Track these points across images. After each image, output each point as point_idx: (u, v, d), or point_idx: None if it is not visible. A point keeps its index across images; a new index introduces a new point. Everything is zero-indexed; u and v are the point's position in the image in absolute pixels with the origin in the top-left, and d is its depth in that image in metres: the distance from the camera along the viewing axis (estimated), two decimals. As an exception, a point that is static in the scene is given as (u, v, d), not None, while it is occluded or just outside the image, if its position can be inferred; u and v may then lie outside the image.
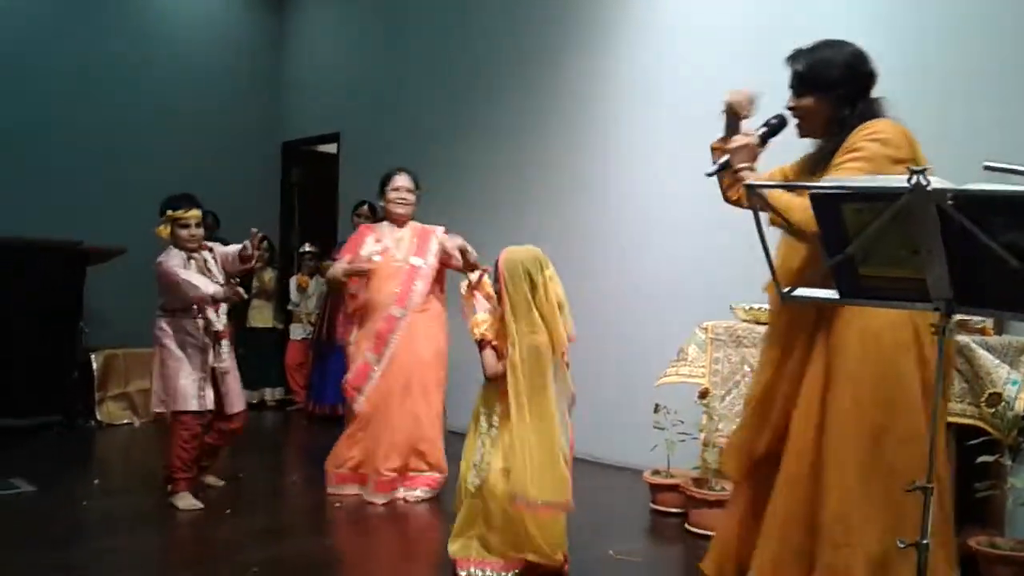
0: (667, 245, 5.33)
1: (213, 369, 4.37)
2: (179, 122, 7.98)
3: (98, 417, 6.51)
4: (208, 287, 4.24)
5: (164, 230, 4.37)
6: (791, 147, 2.67)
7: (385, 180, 4.80)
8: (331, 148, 8.42)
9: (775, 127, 2.52)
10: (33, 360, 6.19)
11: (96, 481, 4.95)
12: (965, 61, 4.08)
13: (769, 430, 2.54)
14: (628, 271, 5.56)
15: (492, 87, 6.53)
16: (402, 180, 4.77)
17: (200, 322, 4.33)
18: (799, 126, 2.48)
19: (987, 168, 1.59)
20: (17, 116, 7.09)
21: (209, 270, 4.42)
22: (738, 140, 2.43)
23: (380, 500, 4.48)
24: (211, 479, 4.71)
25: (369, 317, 4.64)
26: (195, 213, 4.39)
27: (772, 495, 2.49)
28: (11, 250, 6.14)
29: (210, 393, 4.33)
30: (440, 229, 4.82)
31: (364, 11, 8.00)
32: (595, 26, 5.84)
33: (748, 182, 1.75)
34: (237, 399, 4.51)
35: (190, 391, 4.26)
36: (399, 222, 4.79)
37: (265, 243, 7.45)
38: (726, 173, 2.55)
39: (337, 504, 4.47)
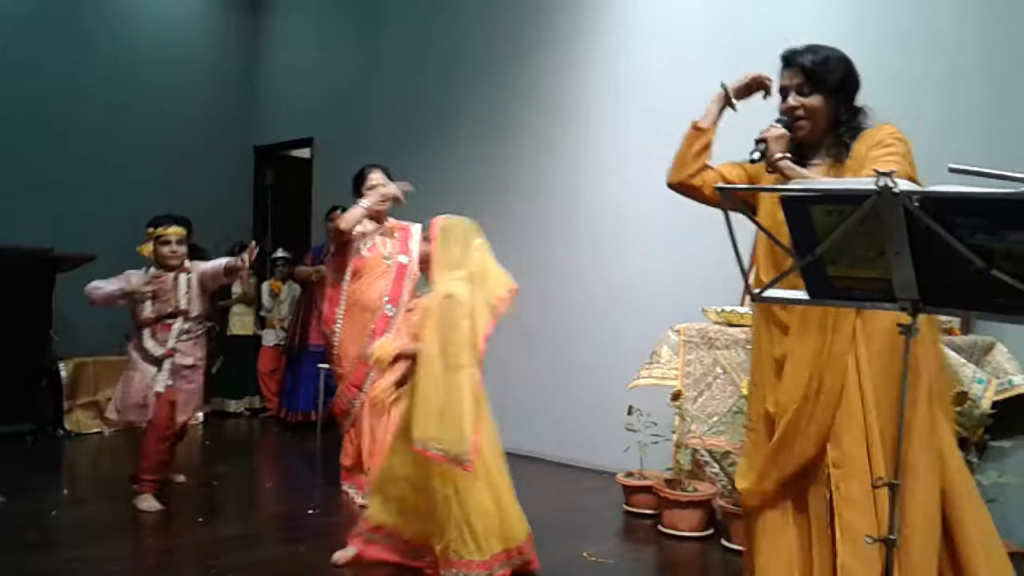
0: (640, 247, 5.37)
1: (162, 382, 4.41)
2: (151, 126, 7.92)
3: (67, 426, 6.42)
4: (106, 283, 4.36)
5: (146, 248, 4.43)
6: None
7: (360, 178, 4.68)
8: (304, 153, 8.39)
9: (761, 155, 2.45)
10: (1, 368, 6.09)
11: (65, 490, 4.90)
12: (933, 66, 4.14)
13: (805, 441, 2.35)
14: (601, 273, 5.59)
15: (466, 93, 6.54)
16: (377, 176, 4.65)
17: (148, 338, 4.40)
18: (799, 127, 2.43)
19: (952, 171, 1.62)
20: (-17, 122, 7.01)
21: (175, 294, 4.42)
22: (774, 130, 2.39)
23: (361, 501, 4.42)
24: (174, 477, 4.77)
25: (359, 316, 4.53)
26: (176, 230, 4.44)
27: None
28: (-22, 257, 6.05)
29: (151, 407, 4.36)
30: (417, 227, 4.68)
31: (338, 17, 7.99)
32: (568, 29, 5.87)
33: (720, 185, 1.76)
34: (183, 411, 4.49)
35: (137, 403, 4.36)
36: (378, 219, 4.67)
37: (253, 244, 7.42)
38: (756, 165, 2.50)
39: (310, 511, 4.44)
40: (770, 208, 2.35)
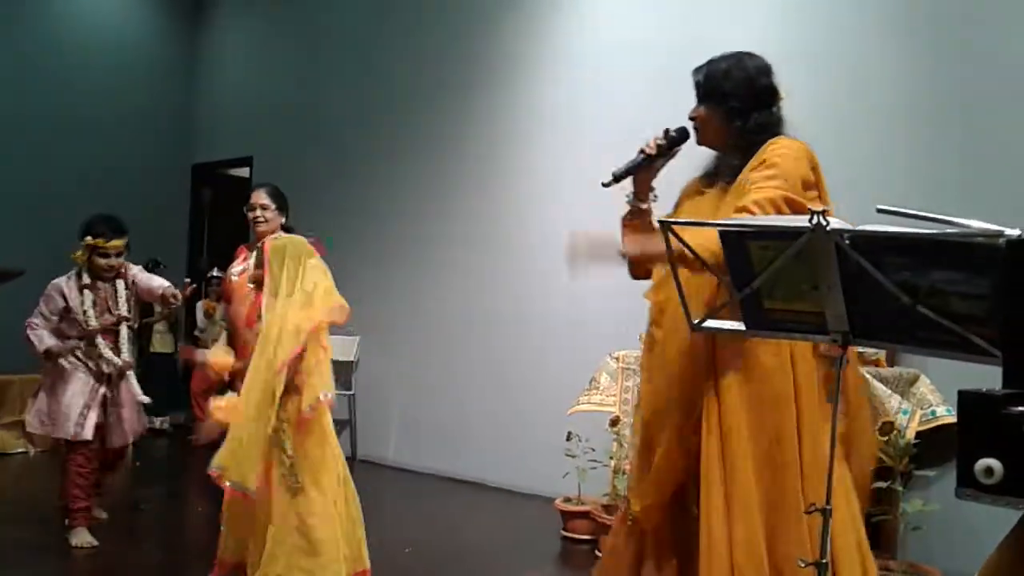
0: (580, 274, 5.42)
1: (105, 399, 4.19)
2: (86, 141, 7.77)
3: (-14, 446, 6.23)
4: (42, 343, 4.13)
5: (80, 256, 4.18)
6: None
7: (247, 198, 4.32)
8: (243, 172, 8.31)
9: (675, 139, 2.45)
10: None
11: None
12: (866, 102, 4.30)
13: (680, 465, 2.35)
14: (540, 300, 5.63)
15: (406, 115, 6.57)
16: (255, 197, 4.25)
17: (95, 354, 4.18)
18: (697, 134, 2.45)
19: (880, 211, 1.70)
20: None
21: (115, 301, 4.24)
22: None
23: None
24: (96, 511, 4.41)
25: (234, 341, 4.12)
26: (116, 244, 4.20)
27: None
28: (-100, 270, 5.84)
29: (92, 422, 4.11)
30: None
31: (279, 36, 7.96)
32: (509, 55, 5.95)
33: (660, 219, 1.82)
34: (121, 435, 4.27)
35: (71, 419, 4.08)
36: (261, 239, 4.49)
37: (162, 266, 7.30)
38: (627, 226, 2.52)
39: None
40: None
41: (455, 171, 6.21)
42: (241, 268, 4.37)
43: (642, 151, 2.43)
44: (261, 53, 8.20)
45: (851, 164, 4.22)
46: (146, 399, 4.33)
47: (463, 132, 6.17)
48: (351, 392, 6.63)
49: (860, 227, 1.65)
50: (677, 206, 2.58)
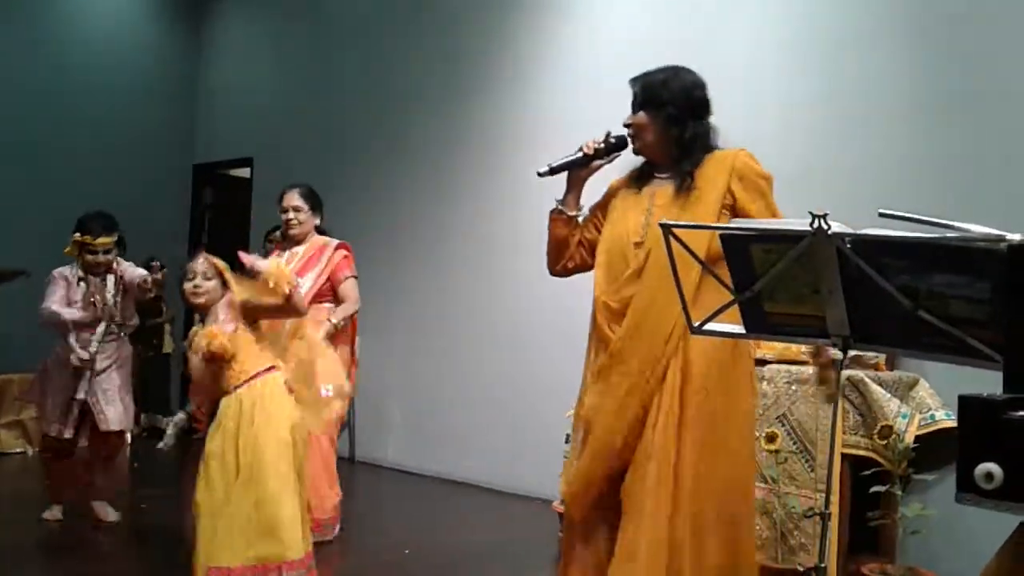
0: (579, 277, 5.41)
1: (86, 391, 4.30)
2: (88, 142, 7.77)
3: (-11, 444, 6.24)
4: (69, 315, 4.24)
5: (71, 251, 4.30)
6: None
7: (279, 198, 4.43)
8: (244, 172, 8.32)
9: (614, 145, 2.56)
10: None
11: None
12: (865, 106, 4.30)
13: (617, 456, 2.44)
14: (537, 300, 5.63)
15: (407, 119, 6.57)
16: (288, 199, 4.38)
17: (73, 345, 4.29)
18: (633, 142, 2.56)
19: (882, 215, 1.71)
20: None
21: (104, 297, 4.32)
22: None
23: None
24: (100, 511, 4.46)
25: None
26: (104, 241, 4.29)
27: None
28: (-98, 269, 5.84)
29: (72, 421, 4.28)
30: (334, 244, 4.42)
31: (280, 38, 7.97)
32: (522, 56, 5.96)
33: (661, 222, 1.82)
34: (107, 421, 4.32)
35: (53, 415, 4.31)
36: (295, 241, 4.42)
37: (165, 270, 7.30)
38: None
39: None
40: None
41: (457, 173, 6.21)
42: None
43: (581, 149, 2.59)
44: (262, 54, 8.21)
45: (852, 167, 4.23)
46: (112, 387, 4.36)
47: (465, 135, 6.18)
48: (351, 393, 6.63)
49: (861, 231, 1.66)
50: (605, 204, 2.69)
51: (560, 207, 2.68)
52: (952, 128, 4.01)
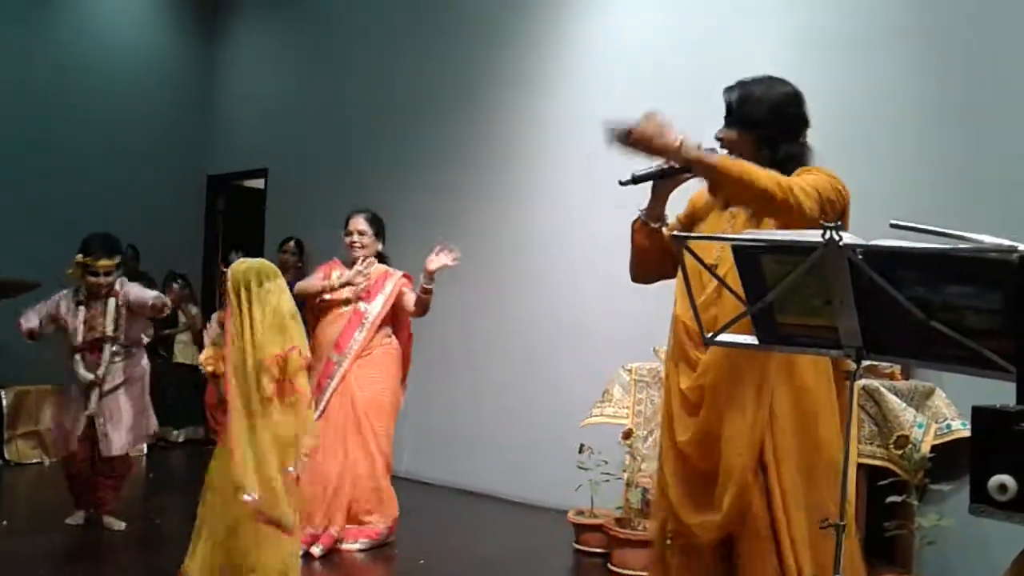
0: (593, 287, 5.43)
1: (90, 413, 4.37)
2: (102, 152, 7.82)
3: (6, 456, 6.26)
4: (28, 322, 4.42)
5: (75, 272, 4.35)
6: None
7: (344, 222, 4.66)
8: (258, 183, 8.36)
9: (658, 173, 2.43)
10: (-62, 396, 5.95)
11: (4, 521, 4.76)
12: (878, 115, 4.29)
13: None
14: (553, 312, 5.64)
15: (421, 128, 6.59)
16: (354, 223, 4.60)
17: (79, 363, 4.39)
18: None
19: (893, 226, 1.70)
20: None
21: (104, 320, 4.38)
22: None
23: (315, 551, 4.22)
24: (109, 524, 4.53)
25: (315, 359, 4.28)
26: (104, 263, 4.33)
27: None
28: (-82, 282, 5.90)
29: (73, 437, 4.36)
30: (399, 273, 4.64)
31: (294, 48, 8.01)
32: (526, 67, 5.96)
33: (675, 233, 1.82)
34: (109, 446, 4.38)
35: (61, 432, 4.45)
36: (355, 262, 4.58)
37: (181, 281, 7.35)
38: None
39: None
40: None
41: (470, 183, 6.22)
42: (319, 284, 4.46)
43: (668, 160, 2.36)
44: (276, 66, 8.26)
45: (862, 178, 4.21)
46: (119, 408, 4.45)
47: (479, 143, 6.19)
48: (364, 403, 6.63)
49: (873, 242, 1.66)
50: (691, 215, 2.57)
51: (643, 218, 2.51)
52: (963, 137, 3.99)
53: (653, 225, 2.50)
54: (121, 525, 4.53)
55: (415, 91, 6.69)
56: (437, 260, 4.46)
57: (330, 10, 7.58)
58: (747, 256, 1.76)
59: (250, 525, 3.04)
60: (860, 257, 1.64)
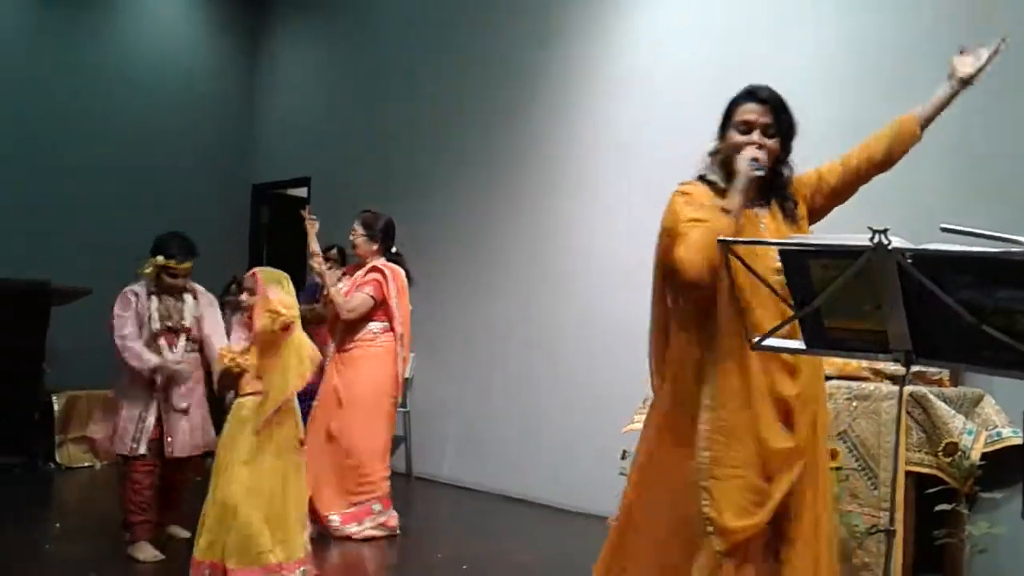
0: (637, 291, 5.40)
1: (159, 410, 4.18)
2: (148, 162, 7.98)
3: (58, 459, 6.40)
4: (150, 360, 4.11)
5: (150, 272, 4.21)
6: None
7: (391, 228, 5.06)
8: (301, 192, 8.47)
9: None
10: (-7, 401, 6.08)
11: (57, 524, 4.87)
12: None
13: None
14: (596, 317, 5.63)
15: (463, 137, 6.64)
16: (355, 223, 5.01)
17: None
18: (758, 163, 2.37)
19: (944, 230, 1.69)
20: (-15, 154, 7.07)
21: (180, 311, 4.27)
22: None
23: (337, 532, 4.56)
24: (174, 529, 4.45)
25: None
26: (187, 266, 4.26)
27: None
28: (-26, 289, 6.07)
29: (146, 436, 4.12)
30: (381, 260, 4.91)
31: (337, 57, 8.11)
32: (565, 78, 5.98)
33: (721, 239, 1.82)
34: (182, 445, 4.23)
35: (129, 433, 4.12)
36: (358, 264, 5.01)
37: (234, 286, 7.45)
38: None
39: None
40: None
41: (514, 189, 6.25)
42: (342, 285, 4.72)
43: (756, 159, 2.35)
44: (319, 76, 8.36)
45: (906, 183, 4.16)
46: (188, 407, 4.28)
47: (521, 151, 6.22)
48: (406, 409, 6.68)
49: (922, 246, 1.65)
50: (698, 210, 2.48)
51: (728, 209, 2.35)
52: (1010, 141, 3.93)
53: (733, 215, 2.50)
54: (187, 533, 4.30)
55: (457, 98, 6.73)
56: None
57: (372, 21, 7.66)
58: (795, 260, 1.76)
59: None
60: (909, 261, 1.63)
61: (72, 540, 4.52)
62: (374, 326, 4.81)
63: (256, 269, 3.67)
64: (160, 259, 4.19)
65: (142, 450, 4.12)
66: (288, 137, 8.59)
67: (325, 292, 4.78)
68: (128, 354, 4.10)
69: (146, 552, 4.11)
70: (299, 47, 8.66)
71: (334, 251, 7.07)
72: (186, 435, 4.24)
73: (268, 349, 3.51)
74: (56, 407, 6.49)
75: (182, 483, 4.44)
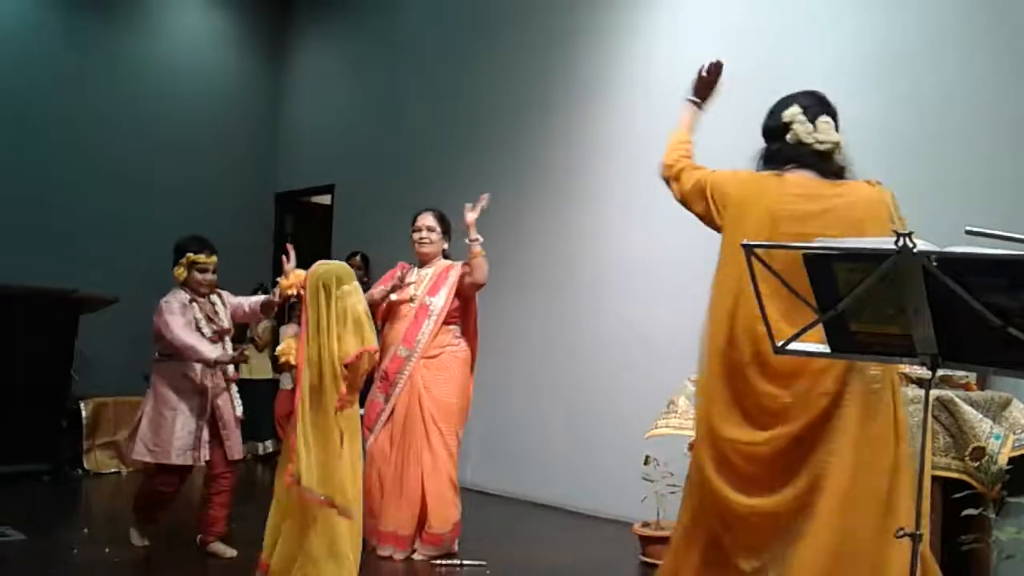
0: (655, 297, 5.42)
1: (214, 416, 4.23)
2: (174, 171, 8.07)
3: (85, 465, 6.47)
4: (210, 352, 4.11)
5: (182, 273, 4.28)
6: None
7: (412, 220, 4.79)
8: (325, 199, 8.53)
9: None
10: (22, 407, 6.15)
11: (85, 529, 4.93)
12: (948, 122, 4.22)
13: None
14: (616, 323, 5.64)
15: (487, 141, 6.66)
16: (423, 219, 4.73)
17: (198, 368, 4.19)
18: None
19: (969, 233, 1.69)
20: (14, 165, 7.16)
21: (216, 314, 4.33)
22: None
23: (392, 553, 4.35)
24: (219, 547, 4.32)
25: (383, 356, 4.47)
26: (214, 259, 4.35)
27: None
28: (4, 297, 6.13)
29: (206, 446, 4.18)
30: (457, 266, 4.67)
31: (360, 65, 8.17)
32: (587, 83, 6.00)
33: (745, 243, 1.82)
34: (237, 448, 4.32)
35: (185, 443, 4.12)
36: (423, 261, 4.73)
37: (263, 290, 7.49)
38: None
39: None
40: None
41: (533, 196, 6.27)
42: (385, 288, 4.59)
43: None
44: (342, 83, 8.43)
45: (935, 184, 4.15)
46: (240, 412, 4.38)
47: (542, 157, 6.24)
48: (429, 415, 6.69)
49: (947, 249, 1.65)
50: (722, 190, 2.72)
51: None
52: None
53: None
54: (233, 552, 4.28)
55: (478, 106, 6.77)
56: (473, 212, 4.61)
57: (394, 29, 7.71)
58: (820, 264, 1.76)
59: (304, 515, 3.31)
60: (935, 264, 1.63)
61: (100, 545, 4.55)
62: (455, 329, 4.62)
63: (317, 264, 3.52)
64: (189, 256, 4.27)
65: (189, 461, 4.17)
66: (311, 145, 8.65)
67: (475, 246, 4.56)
68: (188, 350, 4.10)
69: (137, 537, 4.38)
70: (322, 55, 8.73)
71: (358, 258, 7.11)
72: (230, 443, 4.30)
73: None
74: (84, 414, 6.56)
75: (229, 492, 4.39)
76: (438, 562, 4.33)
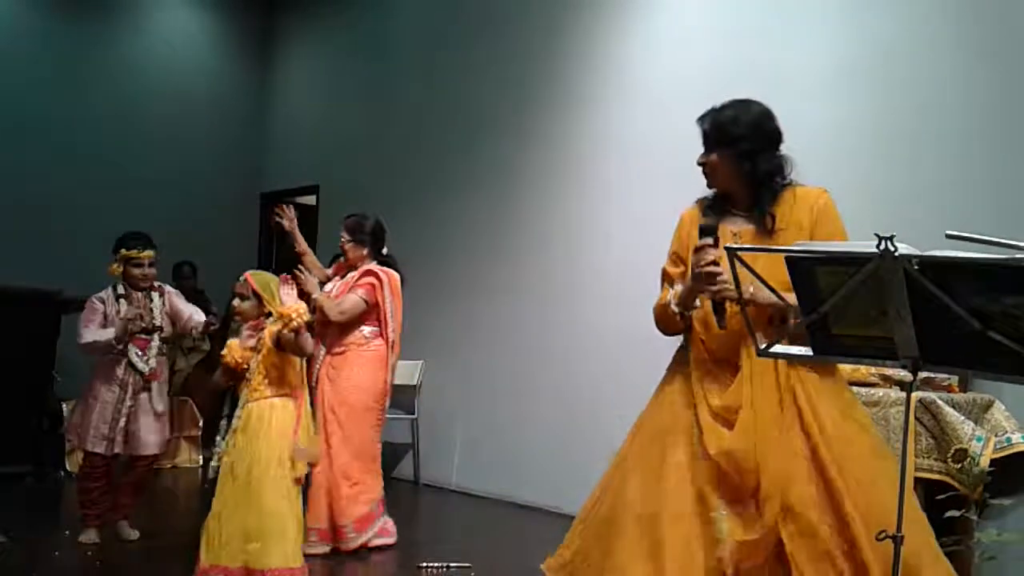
0: (642, 302, 5.40)
1: (130, 411, 4.38)
2: (158, 171, 8.04)
3: (68, 467, 6.41)
4: (101, 335, 4.30)
5: (116, 268, 4.46)
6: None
7: (382, 230, 4.95)
8: (310, 200, 8.50)
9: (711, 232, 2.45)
10: (4, 408, 6.11)
11: (67, 531, 4.87)
12: (938, 120, 4.24)
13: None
14: (605, 326, 5.64)
15: (471, 147, 6.66)
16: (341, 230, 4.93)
17: (124, 362, 4.37)
18: (707, 179, 2.55)
19: (949, 237, 1.70)
20: (-4, 164, 7.12)
21: (151, 311, 4.44)
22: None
23: (322, 550, 4.43)
24: (123, 526, 4.57)
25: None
26: (149, 254, 4.48)
27: None
28: (-14, 298, 6.10)
29: (120, 438, 4.34)
30: (373, 264, 4.77)
31: (347, 68, 8.15)
32: (572, 89, 6.01)
33: (728, 246, 1.83)
34: (144, 444, 4.43)
35: (100, 432, 4.32)
36: (350, 267, 4.86)
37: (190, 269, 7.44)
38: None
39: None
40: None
41: (521, 197, 6.27)
42: (331, 287, 4.68)
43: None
44: (328, 84, 8.41)
45: (918, 188, 4.17)
46: (161, 408, 4.49)
47: (529, 160, 6.24)
48: (414, 416, 6.70)
49: (928, 253, 1.65)
50: (683, 239, 2.63)
51: (680, 310, 2.68)
52: (1014, 146, 3.93)
53: (687, 314, 2.68)
54: (135, 534, 4.58)
55: (465, 108, 6.77)
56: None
57: (380, 30, 7.71)
58: (802, 268, 1.77)
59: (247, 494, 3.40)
60: (916, 268, 1.64)
61: (83, 547, 4.53)
62: (365, 330, 4.70)
63: (248, 273, 3.71)
64: (123, 252, 4.44)
65: (100, 449, 4.33)
66: (296, 145, 8.63)
67: (314, 297, 4.61)
68: (90, 348, 4.33)
69: (88, 535, 4.44)
70: (308, 56, 8.71)
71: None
72: (146, 437, 4.43)
73: (282, 354, 3.54)
74: (65, 414, 6.50)
75: (141, 483, 4.61)
76: (424, 564, 4.34)
